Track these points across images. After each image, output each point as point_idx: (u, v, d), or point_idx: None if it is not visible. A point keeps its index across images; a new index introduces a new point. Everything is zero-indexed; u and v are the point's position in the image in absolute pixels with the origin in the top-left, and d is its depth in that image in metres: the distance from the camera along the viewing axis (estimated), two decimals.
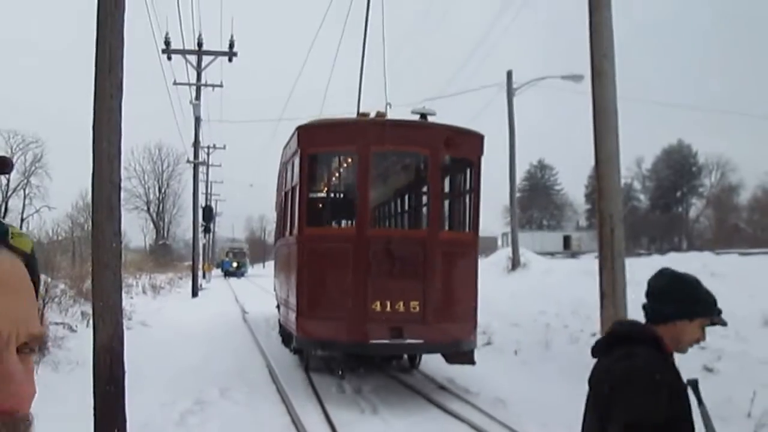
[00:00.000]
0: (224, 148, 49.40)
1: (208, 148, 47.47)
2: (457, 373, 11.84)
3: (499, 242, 79.93)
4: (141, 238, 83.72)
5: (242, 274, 66.48)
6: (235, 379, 11.84)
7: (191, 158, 35.63)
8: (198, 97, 32.78)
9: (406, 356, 12.35)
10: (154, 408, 8.96)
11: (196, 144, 34.82)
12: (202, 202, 45.91)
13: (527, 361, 13.32)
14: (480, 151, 11.04)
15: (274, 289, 16.65)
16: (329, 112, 15.14)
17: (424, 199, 11.33)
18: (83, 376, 8.70)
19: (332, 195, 13.49)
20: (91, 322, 13.25)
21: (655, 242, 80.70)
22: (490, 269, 24.37)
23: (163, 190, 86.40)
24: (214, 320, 20.80)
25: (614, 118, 8.98)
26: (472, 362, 10.75)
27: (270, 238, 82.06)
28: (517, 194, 25.91)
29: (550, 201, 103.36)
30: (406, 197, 13.11)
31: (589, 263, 17.27)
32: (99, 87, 7.49)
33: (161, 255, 63.74)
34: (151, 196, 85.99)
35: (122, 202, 7.90)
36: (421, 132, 10.67)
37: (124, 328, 7.88)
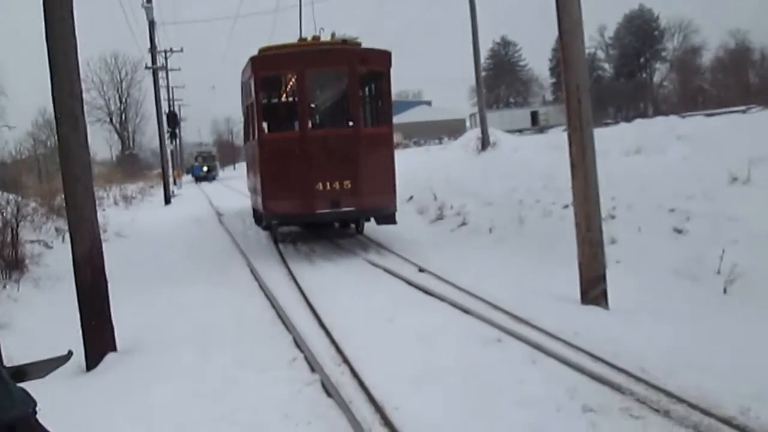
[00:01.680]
0: (181, 50, 47.84)
1: (166, 52, 45.97)
2: (434, 261, 12.05)
3: (468, 123, 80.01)
4: (107, 150, 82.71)
5: (213, 178, 65.78)
6: (214, 268, 12.05)
7: (149, 64, 34.71)
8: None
9: (353, 226, 15.65)
10: (140, 315, 9.03)
11: (152, 49, 33.95)
12: (165, 108, 44.92)
13: (502, 238, 13.55)
14: (389, 64, 14.24)
15: (248, 184, 19.82)
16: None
17: (349, 103, 14.12)
18: (65, 289, 8.77)
19: (281, 106, 16.47)
20: (66, 237, 13.25)
21: (621, 110, 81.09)
22: (460, 151, 24.44)
23: (124, 100, 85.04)
24: (190, 225, 20.77)
25: None
26: (394, 222, 14.24)
27: (237, 139, 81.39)
28: (483, 73, 25.63)
29: (515, 78, 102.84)
30: (336, 103, 15.82)
31: (557, 137, 17.38)
32: None
33: (129, 165, 63.16)
34: (113, 107, 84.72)
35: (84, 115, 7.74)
36: (341, 54, 14.16)
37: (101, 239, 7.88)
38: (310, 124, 14.58)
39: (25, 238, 12.72)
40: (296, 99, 14.85)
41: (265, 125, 15.05)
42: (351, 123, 13.67)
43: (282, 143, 14.26)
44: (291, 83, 15.57)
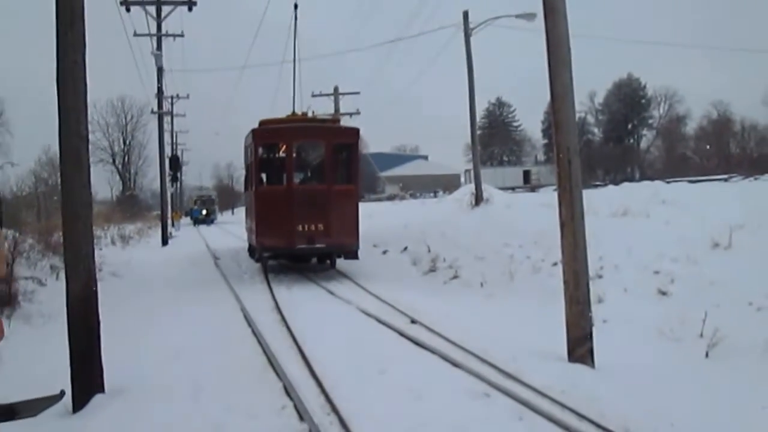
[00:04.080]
0: (188, 97, 48.03)
1: (172, 98, 46.12)
2: (425, 313, 11.89)
3: (462, 179, 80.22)
4: (108, 191, 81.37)
5: (212, 221, 64.72)
6: (208, 312, 11.85)
7: (155, 109, 34.58)
8: (159, 47, 31.69)
9: (328, 262, 18.25)
10: (130, 355, 8.81)
11: (159, 94, 33.80)
12: (168, 152, 44.79)
13: (493, 293, 13.45)
14: (357, 138, 18.15)
15: (245, 225, 23.13)
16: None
17: (325, 166, 17.59)
18: (56, 328, 8.54)
19: (274, 166, 19.15)
20: (60, 275, 12.99)
21: (609, 173, 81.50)
22: (454, 205, 24.41)
23: (127, 142, 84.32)
24: (186, 267, 20.61)
25: (567, 54, 8.93)
26: (356, 258, 17.32)
27: (237, 185, 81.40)
28: (478, 132, 25.78)
29: (509, 137, 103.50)
30: (315, 166, 19.23)
31: (548, 196, 17.38)
32: (61, 41, 7.31)
33: (129, 206, 62.43)
34: (116, 148, 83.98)
35: None
36: (321, 130, 18.34)
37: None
38: (295, 181, 17.86)
39: (20, 274, 12.50)
40: (285, 161, 18.04)
41: (260, 180, 18.57)
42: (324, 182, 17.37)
43: (273, 194, 17.94)
44: (282, 150, 18.78)
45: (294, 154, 17.88)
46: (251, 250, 21.20)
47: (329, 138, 17.59)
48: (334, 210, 16.70)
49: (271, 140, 18.54)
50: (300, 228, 16.33)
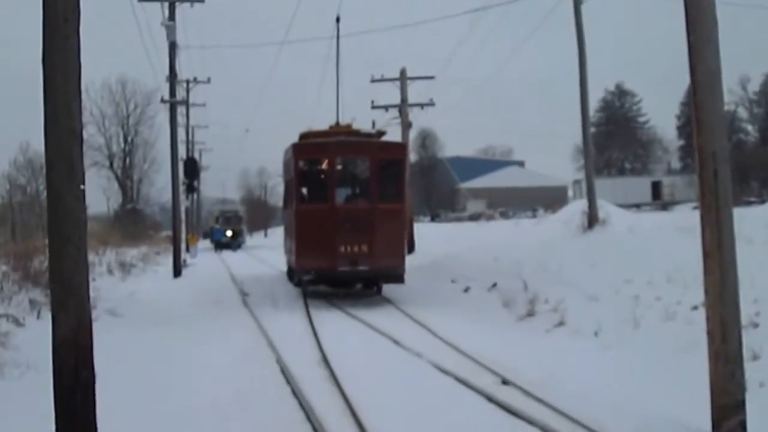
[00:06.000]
0: (208, 81, 47.49)
1: (188, 82, 45.64)
2: (521, 371, 11.95)
3: (570, 192, 79.81)
4: (103, 203, 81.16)
5: (239, 246, 64.72)
6: (235, 365, 12.08)
7: (166, 96, 34.80)
8: (172, 16, 32.14)
9: (375, 288, 21.68)
10: (131, 417, 8.90)
11: (171, 77, 33.90)
12: (182, 153, 45.34)
13: (611, 345, 13.41)
14: (403, 154, 23.23)
15: (284, 247, 26.46)
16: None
17: (370, 184, 21.12)
18: (37, 380, 8.64)
19: (315, 183, 22.37)
20: (43, 313, 13.17)
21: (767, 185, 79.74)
22: (559, 228, 24.38)
23: (129, 139, 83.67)
24: (204, 305, 20.95)
25: (714, 27, 8.86)
26: (402, 282, 20.83)
27: (271, 197, 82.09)
28: (592, 130, 25.71)
29: (632, 137, 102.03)
30: (359, 183, 22.76)
31: (686, 217, 17.29)
32: (49, 9, 7.08)
33: (131, 223, 62.89)
34: (115, 148, 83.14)
35: None
36: (365, 145, 21.98)
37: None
38: (338, 199, 20.99)
39: None
40: (327, 178, 21.31)
41: (301, 197, 21.82)
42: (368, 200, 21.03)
43: (314, 212, 21.08)
44: (324, 165, 22.02)
45: (336, 170, 21.48)
46: (290, 273, 24.74)
47: (375, 153, 21.20)
48: (379, 230, 20.06)
49: (312, 155, 22.13)
50: (342, 249, 19.67)
